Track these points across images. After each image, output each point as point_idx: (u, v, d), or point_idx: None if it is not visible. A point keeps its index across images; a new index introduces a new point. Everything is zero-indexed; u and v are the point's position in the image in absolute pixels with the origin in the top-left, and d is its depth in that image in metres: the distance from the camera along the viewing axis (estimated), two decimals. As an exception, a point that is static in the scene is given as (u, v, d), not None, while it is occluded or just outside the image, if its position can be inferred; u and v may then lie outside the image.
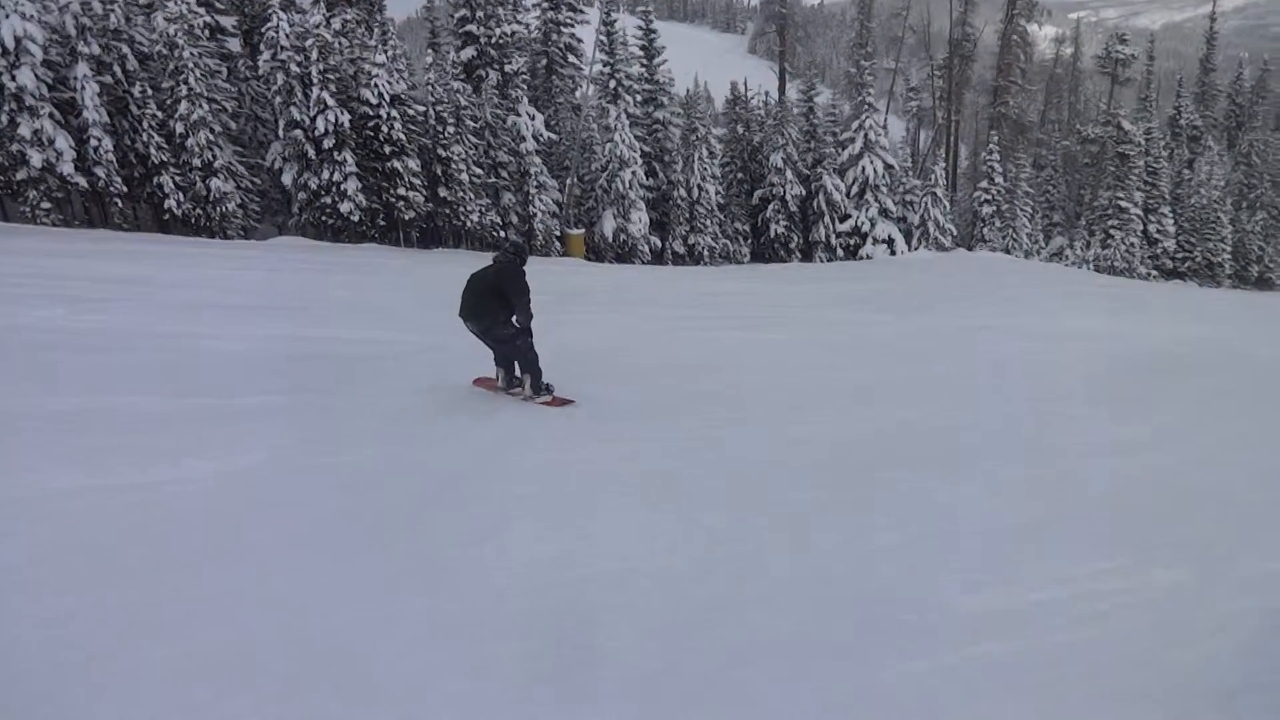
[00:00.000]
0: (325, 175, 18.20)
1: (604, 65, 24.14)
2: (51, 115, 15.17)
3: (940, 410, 7.85)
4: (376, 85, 18.36)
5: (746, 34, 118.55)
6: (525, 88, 21.83)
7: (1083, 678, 3.42)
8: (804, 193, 26.31)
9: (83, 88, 15.52)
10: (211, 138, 17.08)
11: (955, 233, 27.82)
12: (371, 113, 18.46)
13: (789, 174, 25.86)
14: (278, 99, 17.93)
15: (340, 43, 18.69)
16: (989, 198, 29.31)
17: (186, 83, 16.56)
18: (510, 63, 22.00)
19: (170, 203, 17.14)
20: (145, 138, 16.69)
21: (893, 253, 26.07)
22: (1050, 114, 42.08)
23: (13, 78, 14.55)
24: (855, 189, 26.48)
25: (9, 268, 10.73)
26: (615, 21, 24.32)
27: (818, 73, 39.44)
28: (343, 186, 18.21)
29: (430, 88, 19.63)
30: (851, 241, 26.47)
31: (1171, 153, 35.86)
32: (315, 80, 17.64)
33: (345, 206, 18.26)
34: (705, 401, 7.56)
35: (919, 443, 6.75)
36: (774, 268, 24.94)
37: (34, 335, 7.61)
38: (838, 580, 4.21)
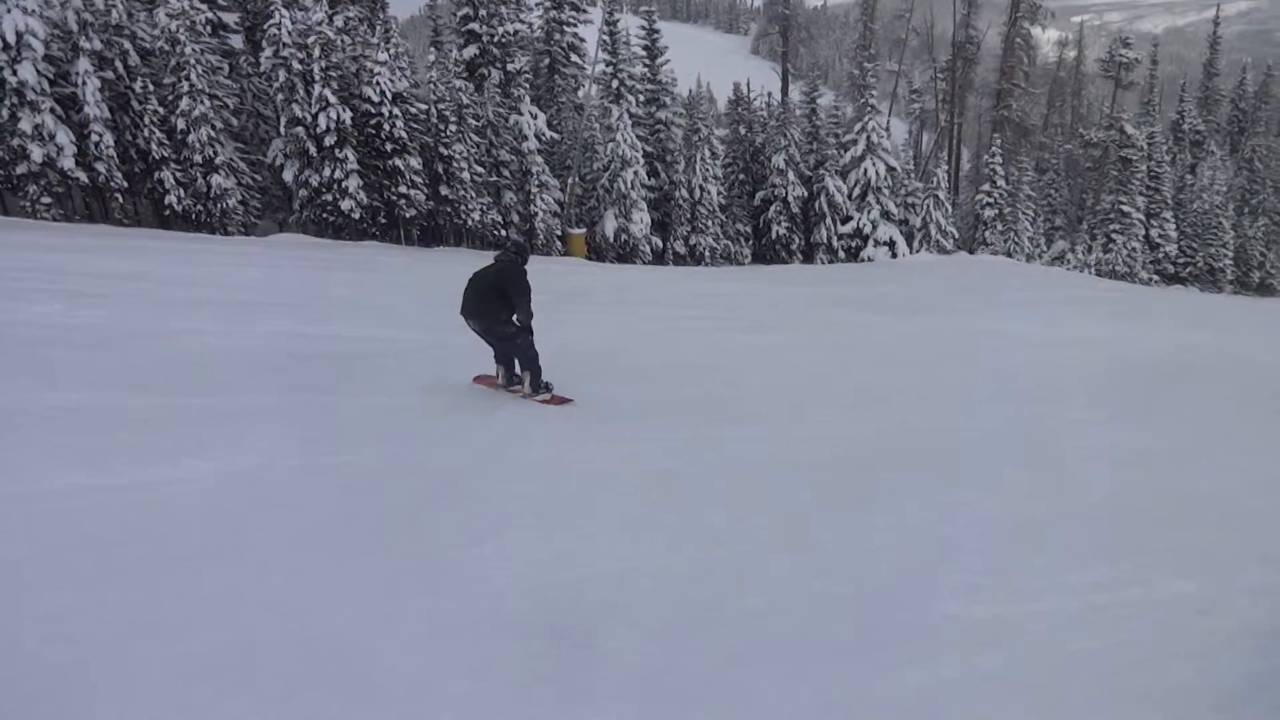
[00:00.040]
0: (326, 172, 18.19)
1: (606, 65, 24.13)
2: (53, 110, 15.16)
3: (941, 413, 7.83)
4: (378, 83, 18.35)
5: (749, 35, 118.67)
6: (527, 87, 21.83)
7: (1083, 683, 3.40)
8: (806, 194, 26.30)
9: (84, 83, 15.50)
10: (213, 134, 17.07)
11: (957, 236, 27.80)
12: (373, 110, 18.44)
13: (791, 175, 25.84)
14: (279, 96, 17.92)
15: (342, 40, 18.69)
16: (991, 201, 29.29)
17: (188, 79, 16.55)
18: (513, 62, 21.99)
19: (171, 199, 17.13)
20: (146, 133, 16.67)
21: (894, 255, 26.04)
22: (1053, 117, 42.04)
23: (14, 72, 14.54)
24: (857, 191, 26.46)
25: (8, 262, 10.70)
26: (618, 21, 24.32)
27: (821, 74, 39.45)
28: (344, 184, 18.20)
29: (432, 86, 19.62)
30: (853, 243, 26.46)
31: (1174, 157, 35.85)
32: (317, 77, 17.63)
33: (346, 204, 18.25)
34: (706, 402, 7.55)
35: (919, 445, 6.73)
36: (775, 269, 24.93)
37: (32, 331, 7.58)
38: (838, 580, 4.20)
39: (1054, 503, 5.51)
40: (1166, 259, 32.74)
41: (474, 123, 20.23)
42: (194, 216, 17.64)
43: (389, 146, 18.73)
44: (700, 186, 24.76)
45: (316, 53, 17.62)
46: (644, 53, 25.80)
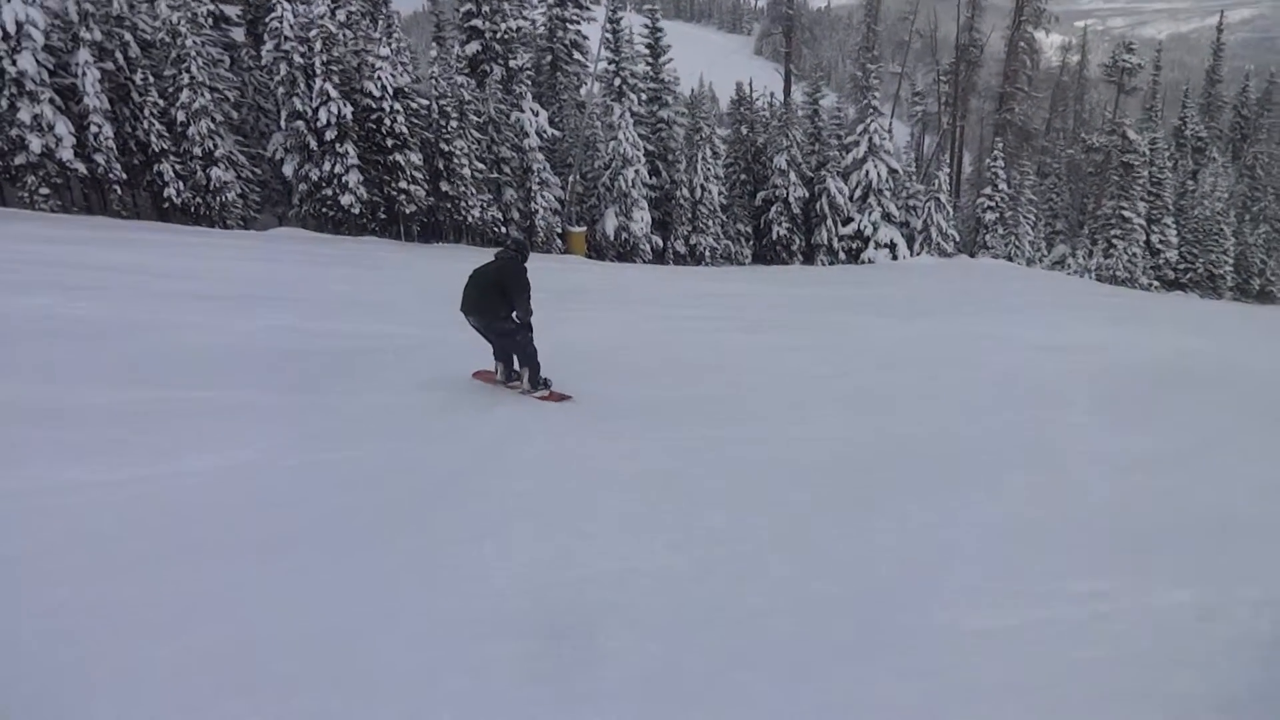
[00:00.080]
0: (326, 167, 18.13)
1: (609, 63, 24.09)
2: (52, 101, 15.09)
3: (941, 416, 7.80)
4: (380, 78, 18.29)
5: (753, 35, 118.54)
6: (529, 84, 21.79)
7: (1083, 686, 3.40)
8: (807, 195, 26.26)
9: (84, 74, 15.43)
10: (213, 127, 17.01)
11: (958, 239, 27.78)
12: (374, 105, 18.38)
13: (792, 176, 25.80)
14: (280, 89, 17.86)
15: (344, 34, 18.63)
16: (992, 204, 29.26)
17: (189, 71, 16.49)
18: (515, 58, 21.94)
19: (170, 191, 17.07)
20: (146, 125, 16.61)
21: (895, 257, 26.02)
22: (1055, 122, 41.99)
23: (13, 62, 14.47)
24: (858, 193, 26.43)
25: (5, 254, 10.65)
26: (621, 19, 24.27)
27: (823, 75, 39.44)
28: (344, 179, 18.14)
29: (434, 81, 19.56)
30: (854, 245, 26.43)
31: (1176, 163, 35.83)
32: (318, 71, 17.58)
33: (346, 199, 18.20)
34: (706, 402, 7.54)
35: (920, 448, 6.71)
36: (776, 270, 24.90)
37: (30, 323, 7.53)
38: (838, 580, 4.20)
39: (1054, 508, 5.49)
40: (1167, 265, 32.73)
41: (475, 119, 20.17)
42: (193, 209, 17.58)
43: (390, 142, 18.67)
44: (701, 186, 24.72)
45: (318, 46, 17.56)
46: (647, 51, 25.76)
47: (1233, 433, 7.97)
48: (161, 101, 16.69)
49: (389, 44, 18.94)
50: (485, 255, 7.07)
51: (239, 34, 19.59)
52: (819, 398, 8.20)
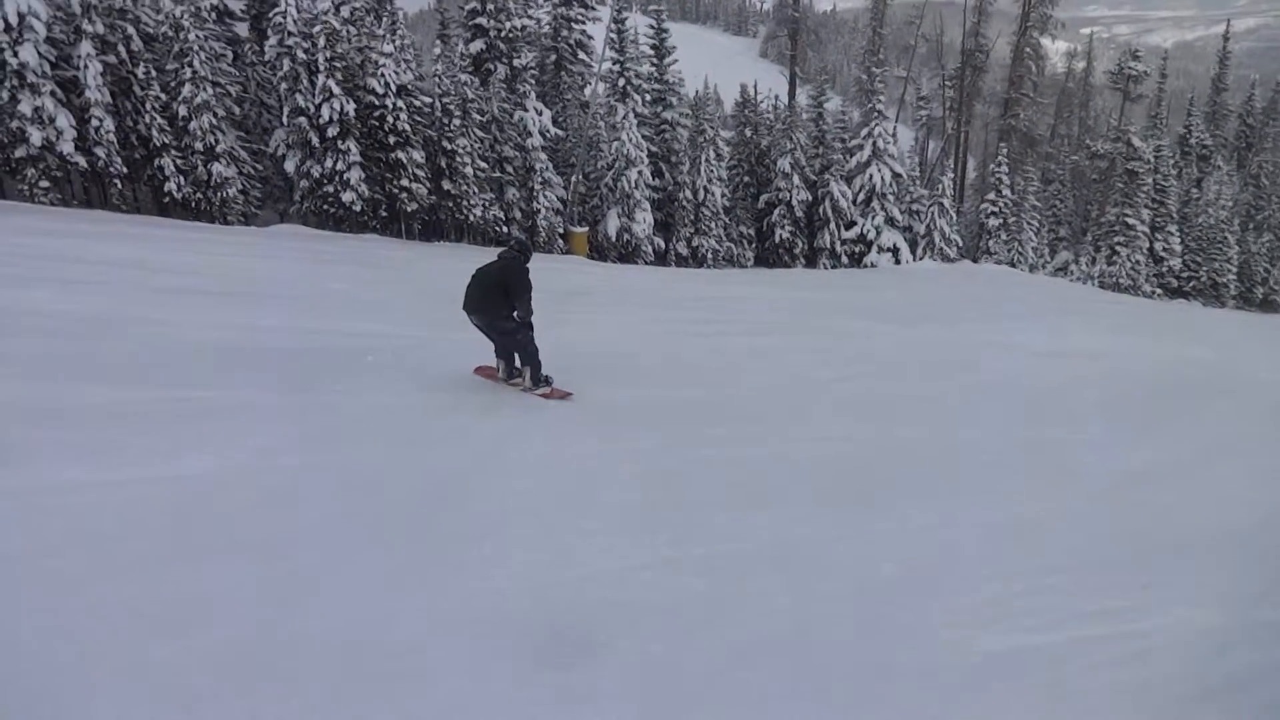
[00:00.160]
0: (328, 164, 18.08)
1: (614, 63, 24.05)
2: (53, 93, 15.03)
3: (942, 421, 7.80)
4: (383, 75, 18.23)
5: (758, 37, 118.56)
6: (533, 83, 21.73)
7: (1083, 688, 3.36)
8: (810, 198, 26.20)
9: (85, 66, 15.37)
10: (215, 122, 16.95)
11: (961, 244, 27.72)
12: (377, 102, 18.33)
13: (796, 179, 25.74)
14: (283, 85, 17.81)
15: (348, 30, 18.57)
16: (996, 210, 29.20)
17: (191, 65, 16.43)
18: (519, 57, 21.89)
19: (171, 186, 17.01)
20: (147, 119, 16.56)
21: (897, 261, 25.95)
22: (1060, 128, 41.99)
23: (15, 54, 14.41)
24: (862, 196, 26.37)
25: (4, 247, 10.58)
26: (626, 20, 24.22)
27: (828, 78, 39.40)
28: (345, 176, 18.09)
29: (437, 79, 19.51)
30: (856, 249, 26.37)
31: (1180, 171, 35.76)
32: (321, 68, 17.53)
33: (347, 196, 18.14)
34: (706, 403, 7.56)
35: (920, 452, 6.73)
36: (778, 273, 24.86)
37: (29, 319, 7.46)
38: (838, 580, 4.22)
39: (1054, 518, 5.46)
40: (1170, 273, 32.66)
41: (478, 118, 20.11)
42: (194, 205, 17.52)
43: (392, 139, 18.62)
44: (704, 188, 24.66)
45: (322, 42, 17.51)
46: (652, 52, 25.70)
47: (1234, 440, 7.95)
48: (163, 96, 16.63)
49: (393, 41, 18.88)
50: (486, 254, 7.09)
51: (243, 29, 19.53)
52: (820, 400, 8.20)
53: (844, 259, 26.45)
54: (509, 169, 21.10)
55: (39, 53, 14.73)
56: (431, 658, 3.31)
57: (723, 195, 25.33)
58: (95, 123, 15.57)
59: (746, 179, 27.12)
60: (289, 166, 18.35)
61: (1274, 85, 42.56)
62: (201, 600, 3.54)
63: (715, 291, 17.14)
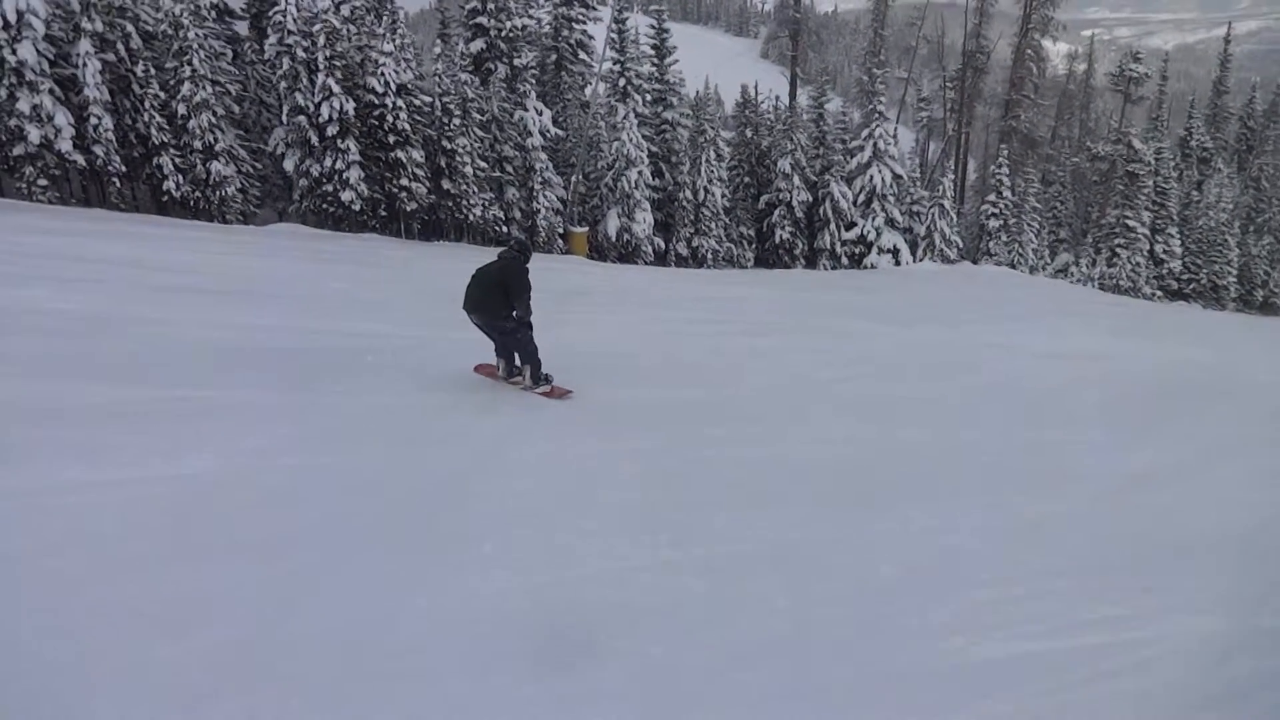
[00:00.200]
0: (328, 163, 18.05)
1: (614, 63, 24.02)
2: (52, 91, 14.99)
3: (941, 422, 7.78)
4: (383, 74, 18.20)
5: (759, 38, 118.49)
6: (534, 83, 21.70)
7: (1085, 694, 3.34)
8: (810, 199, 26.18)
9: (84, 64, 15.34)
10: (214, 120, 16.92)
11: (961, 245, 27.70)
12: (377, 101, 18.30)
13: (796, 180, 25.72)
14: (283, 84, 17.77)
15: (348, 29, 18.54)
16: (996, 211, 29.19)
17: (191, 64, 16.40)
18: (520, 57, 21.86)
19: (169, 184, 16.97)
20: (146, 118, 16.52)
21: (898, 263, 25.94)
22: (1061, 130, 41.98)
23: (13, 51, 14.37)
24: (862, 197, 26.36)
25: (1, 245, 10.55)
26: (627, 20, 24.19)
27: (829, 79, 39.35)
28: (345, 175, 18.06)
29: (437, 79, 19.48)
30: (856, 250, 26.36)
31: (1181, 173, 35.77)
32: (321, 66, 17.50)
33: (347, 195, 18.11)
34: (706, 404, 7.55)
35: (921, 449, 6.74)
36: (778, 273, 24.85)
37: (27, 318, 7.43)
38: (838, 581, 4.22)
39: (1054, 521, 5.44)
40: (1170, 275, 32.66)
41: (478, 117, 20.08)
42: (192, 203, 17.48)
43: (391, 138, 18.58)
44: (705, 188, 24.64)
45: (321, 41, 17.48)
46: (652, 52, 25.67)
47: (1233, 442, 7.94)
48: (162, 94, 16.59)
49: (393, 40, 18.85)
50: (486, 254, 7.09)
51: (242, 28, 19.49)
52: (820, 401, 8.19)
53: (844, 260, 26.44)
54: (509, 169, 21.07)
55: (38, 50, 14.70)
56: (431, 658, 3.30)
57: (723, 196, 25.31)
58: (94, 121, 15.53)
59: (747, 179, 27.10)
60: (288, 165, 18.31)
61: (1275, 88, 42.55)
62: (201, 600, 3.54)
63: (715, 292, 17.13)
